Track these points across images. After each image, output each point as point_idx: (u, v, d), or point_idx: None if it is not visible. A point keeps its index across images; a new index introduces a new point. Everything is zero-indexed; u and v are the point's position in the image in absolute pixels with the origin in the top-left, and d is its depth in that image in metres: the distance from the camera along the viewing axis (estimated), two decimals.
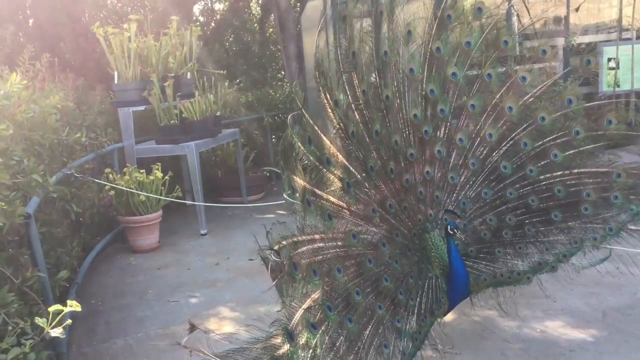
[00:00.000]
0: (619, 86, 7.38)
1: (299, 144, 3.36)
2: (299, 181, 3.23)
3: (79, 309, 2.20)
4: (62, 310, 2.19)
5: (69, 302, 2.19)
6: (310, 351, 2.73)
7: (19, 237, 3.77)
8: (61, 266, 4.61)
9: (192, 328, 2.75)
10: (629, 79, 7.29)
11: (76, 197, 5.41)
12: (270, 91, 10.52)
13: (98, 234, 6.42)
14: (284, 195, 3.37)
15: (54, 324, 2.21)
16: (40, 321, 2.24)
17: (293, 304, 2.89)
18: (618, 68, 7.30)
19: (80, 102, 6.70)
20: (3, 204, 2.99)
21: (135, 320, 4.57)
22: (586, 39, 9.02)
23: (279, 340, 2.72)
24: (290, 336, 2.70)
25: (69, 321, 2.24)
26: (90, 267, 5.60)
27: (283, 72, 12.22)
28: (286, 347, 2.68)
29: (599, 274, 4.09)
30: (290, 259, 2.94)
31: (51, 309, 2.19)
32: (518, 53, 4.90)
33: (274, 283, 2.94)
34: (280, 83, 12.69)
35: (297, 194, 3.22)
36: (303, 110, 3.41)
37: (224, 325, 4.38)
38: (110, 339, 4.26)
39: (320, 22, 4.01)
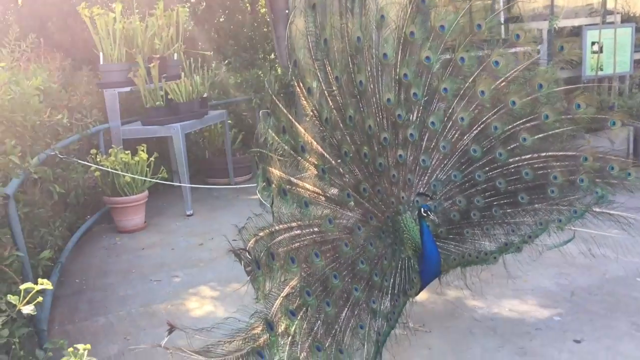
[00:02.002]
0: (602, 70, 7.43)
1: (274, 134, 3.39)
2: (275, 171, 3.25)
3: (50, 287, 2.28)
4: (34, 289, 2.26)
5: (39, 280, 2.26)
6: (290, 337, 2.80)
7: (0, 217, 3.84)
8: (45, 246, 4.68)
9: (171, 329, 2.71)
10: (612, 63, 7.33)
11: (61, 178, 5.47)
12: (260, 72, 10.51)
13: (84, 214, 6.50)
14: (257, 192, 3.38)
15: (25, 301, 2.29)
16: (12, 298, 2.31)
17: (272, 292, 2.95)
18: (601, 52, 7.34)
19: (67, 82, 6.72)
20: None
21: (118, 299, 4.67)
22: (576, 22, 9.03)
23: (258, 330, 2.78)
24: (269, 326, 2.77)
25: (40, 299, 2.30)
26: (75, 247, 5.68)
27: (274, 54, 12.19)
28: (266, 336, 2.75)
29: (571, 255, 4.18)
30: (268, 249, 2.99)
31: (22, 286, 2.27)
32: (501, 36, 4.91)
33: (248, 278, 3.01)
34: (271, 64, 12.65)
35: (273, 185, 3.25)
36: (276, 100, 3.42)
37: (204, 303, 4.48)
38: (92, 317, 4.36)
39: (291, 12, 4.02)
